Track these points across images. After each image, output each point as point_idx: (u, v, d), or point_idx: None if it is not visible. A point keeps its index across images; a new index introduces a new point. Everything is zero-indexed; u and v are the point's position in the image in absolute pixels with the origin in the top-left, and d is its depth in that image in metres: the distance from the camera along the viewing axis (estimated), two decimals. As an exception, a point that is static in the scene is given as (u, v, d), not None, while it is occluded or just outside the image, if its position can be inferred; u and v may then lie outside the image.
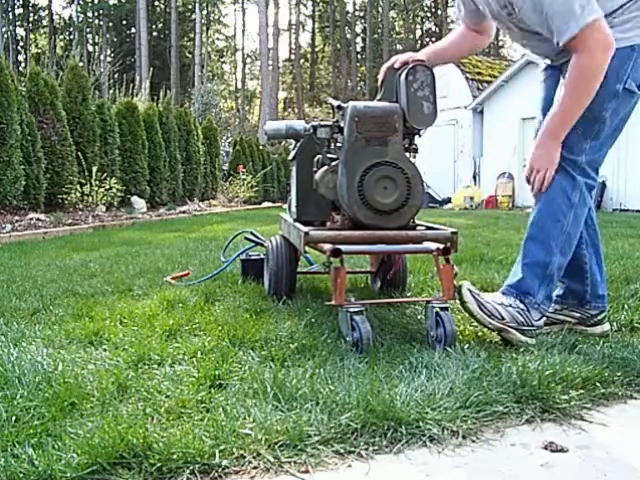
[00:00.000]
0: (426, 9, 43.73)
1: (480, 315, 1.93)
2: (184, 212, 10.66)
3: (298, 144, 2.47)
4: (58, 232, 6.53)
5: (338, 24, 42.23)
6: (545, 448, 1.25)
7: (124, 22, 40.39)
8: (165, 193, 11.50)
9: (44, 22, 41.55)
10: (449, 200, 15.10)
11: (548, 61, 2.10)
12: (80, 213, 8.36)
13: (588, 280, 2.07)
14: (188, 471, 1.13)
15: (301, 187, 2.40)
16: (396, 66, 2.12)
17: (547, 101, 2.10)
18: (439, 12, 41.62)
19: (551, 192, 1.95)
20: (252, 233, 3.26)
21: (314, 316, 2.15)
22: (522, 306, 1.94)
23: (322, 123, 2.23)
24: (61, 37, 40.86)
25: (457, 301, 2.00)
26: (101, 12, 37.57)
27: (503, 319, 1.91)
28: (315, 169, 2.23)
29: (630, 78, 1.88)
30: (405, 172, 2.03)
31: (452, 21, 41.04)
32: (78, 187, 8.39)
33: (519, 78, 14.10)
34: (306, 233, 2.00)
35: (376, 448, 1.23)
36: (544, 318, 1.97)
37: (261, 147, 18.64)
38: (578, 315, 2.07)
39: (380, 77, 2.18)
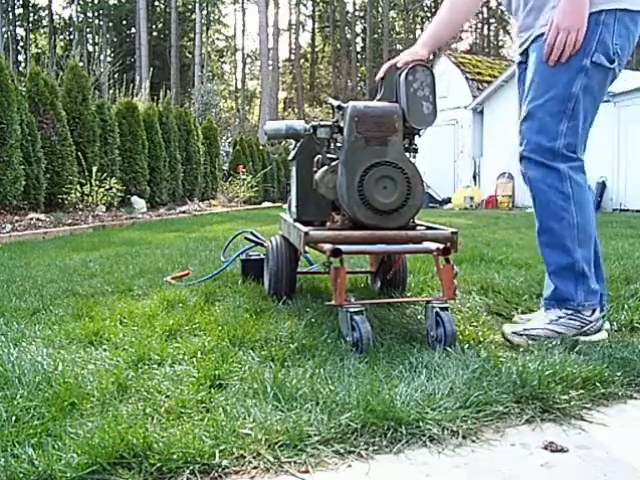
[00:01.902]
0: (426, 9, 43.73)
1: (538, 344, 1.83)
2: (184, 212, 10.66)
3: (298, 144, 2.47)
4: (58, 232, 6.53)
5: (338, 24, 42.22)
6: (545, 448, 1.25)
7: (124, 22, 40.39)
8: (165, 193, 11.50)
9: (44, 22, 41.56)
10: (449, 200, 15.10)
11: (519, 46, 2.05)
12: (80, 213, 8.36)
13: None
14: (188, 471, 1.13)
15: (301, 187, 2.40)
16: (399, 65, 2.10)
17: (520, 100, 2.07)
18: (439, 12, 41.55)
19: (541, 195, 1.92)
20: (252, 233, 3.25)
21: (314, 316, 2.15)
22: (569, 311, 1.90)
23: (322, 123, 2.23)
24: (61, 37, 40.86)
25: (457, 301, 2.00)
26: (101, 12, 37.57)
27: (561, 334, 1.87)
28: (315, 169, 2.23)
29: (597, 52, 1.82)
30: (405, 172, 2.03)
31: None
32: (78, 187, 8.39)
33: (519, 78, 14.09)
34: (306, 233, 2.00)
35: (376, 448, 1.23)
36: (597, 309, 1.92)
37: (261, 147, 18.63)
38: None
39: (380, 75, 2.15)
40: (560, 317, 1.90)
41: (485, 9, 41.16)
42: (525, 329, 1.91)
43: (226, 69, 46.94)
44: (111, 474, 1.11)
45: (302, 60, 44.75)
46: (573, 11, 1.79)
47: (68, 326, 2.10)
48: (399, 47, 40.12)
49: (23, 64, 33.82)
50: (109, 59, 25.25)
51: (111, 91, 13.65)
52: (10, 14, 38.50)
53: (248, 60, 46.08)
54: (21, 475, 1.08)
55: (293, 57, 45.01)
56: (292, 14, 45.39)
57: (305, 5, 46.00)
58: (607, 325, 2.03)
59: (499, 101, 14.97)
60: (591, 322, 1.89)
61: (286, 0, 47.60)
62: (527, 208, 12.88)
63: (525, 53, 2.04)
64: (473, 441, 1.27)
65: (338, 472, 1.15)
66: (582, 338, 1.85)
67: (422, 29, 44.32)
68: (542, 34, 1.88)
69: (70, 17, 41.33)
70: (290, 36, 46.61)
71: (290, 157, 2.52)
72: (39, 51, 35.34)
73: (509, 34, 43.11)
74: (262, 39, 29.79)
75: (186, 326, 2.08)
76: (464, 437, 1.28)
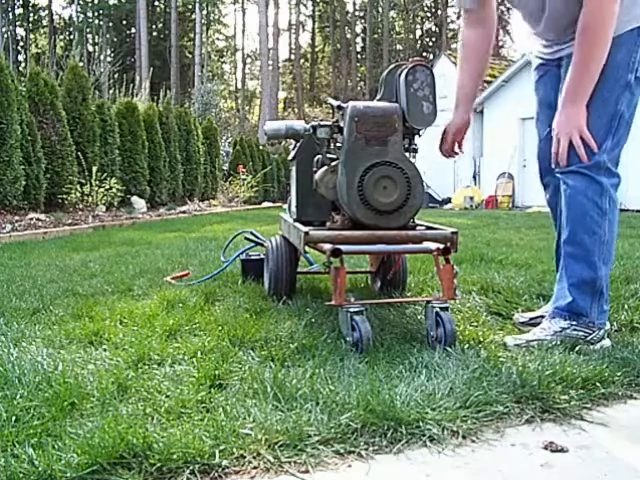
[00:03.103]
0: (426, 9, 43.73)
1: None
2: (184, 212, 10.66)
3: (298, 144, 2.47)
4: (58, 232, 6.53)
5: (338, 24, 42.22)
6: (545, 448, 1.25)
7: (124, 22, 40.38)
8: (165, 193, 11.50)
9: (44, 22, 41.53)
10: (449, 200, 15.10)
11: (548, 50, 2.03)
12: (80, 213, 8.36)
13: None
14: (188, 471, 1.13)
15: (301, 187, 2.40)
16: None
17: (546, 103, 2.06)
18: (439, 12, 41.61)
19: (580, 204, 1.88)
20: (252, 233, 3.26)
21: (314, 316, 2.15)
22: (574, 322, 1.88)
23: (322, 123, 2.22)
24: (61, 37, 40.85)
25: (457, 301, 2.00)
26: (101, 12, 37.54)
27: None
28: (315, 169, 2.23)
29: None
30: (405, 172, 2.03)
31: (452, 21, 41.06)
32: (78, 187, 8.39)
33: (519, 78, 14.11)
34: (306, 233, 2.00)
35: (376, 448, 1.23)
36: (603, 324, 1.90)
37: (261, 147, 18.63)
38: None
39: None
40: (564, 328, 1.88)
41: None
42: (528, 340, 1.87)
43: (226, 69, 46.92)
44: (111, 474, 1.11)
45: (302, 60, 44.74)
46: (565, 121, 1.84)
47: (68, 326, 2.10)
48: (399, 47, 40.13)
49: (23, 64, 33.75)
50: (109, 59, 25.23)
51: (111, 91, 13.66)
52: (10, 14, 38.46)
53: (248, 60, 46.11)
54: (21, 475, 1.08)
55: (293, 57, 45.00)
56: (292, 14, 45.42)
57: (305, 5, 46.00)
58: (607, 325, 2.03)
59: (499, 101, 14.98)
60: (594, 331, 1.87)
61: (286, 0, 47.61)
62: (527, 208, 12.88)
63: (557, 60, 2.01)
64: (473, 441, 1.27)
65: (338, 472, 1.15)
66: (586, 347, 1.82)
67: (422, 29, 44.36)
68: (570, 54, 1.86)
69: (70, 17, 41.35)
70: (290, 36, 46.66)
71: (290, 157, 2.52)
72: (39, 51, 35.32)
73: (509, 34, 43.06)
74: (262, 39, 29.79)
75: (186, 326, 2.08)
76: (464, 437, 1.28)
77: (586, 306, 1.87)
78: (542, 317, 2.03)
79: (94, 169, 8.59)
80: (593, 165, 1.86)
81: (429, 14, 44.19)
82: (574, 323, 1.87)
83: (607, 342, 1.87)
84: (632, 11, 1.80)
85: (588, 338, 1.85)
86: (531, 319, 2.14)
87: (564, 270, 1.94)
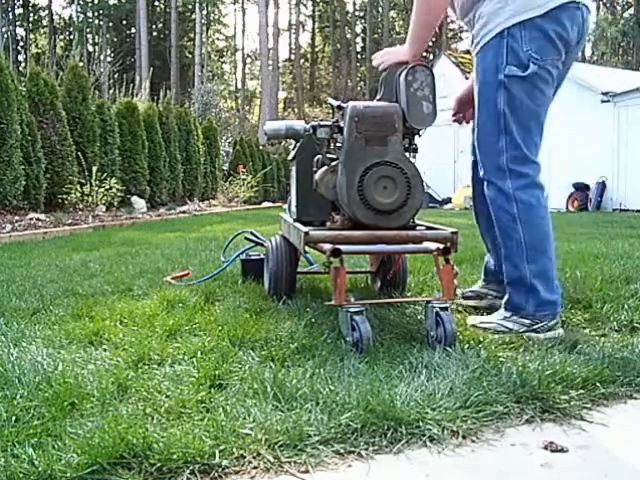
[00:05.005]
0: (426, 9, 43.68)
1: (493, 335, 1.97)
2: (184, 212, 10.66)
3: (298, 144, 2.47)
4: (58, 232, 6.53)
5: (338, 24, 42.24)
6: (545, 448, 1.25)
7: (124, 22, 40.41)
8: (165, 193, 11.50)
9: (44, 22, 41.56)
10: (449, 200, 15.09)
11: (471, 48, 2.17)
12: (80, 213, 8.36)
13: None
14: (188, 471, 1.13)
15: (301, 187, 2.40)
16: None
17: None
18: (439, 12, 41.53)
19: (495, 213, 2.05)
20: (252, 233, 3.25)
21: (314, 316, 2.15)
22: (514, 315, 2.00)
23: (322, 123, 2.22)
24: (61, 37, 40.87)
25: (457, 301, 2.01)
26: (101, 12, 37.58)
27: (511, 330, 1.97)
28: (315, 169, 2.23)
29: (509, 64, 1.94)
30: (405, 172, 2.03)
31: (452, 21, 41.00)
32: (78, 187, 8.39)
33: (519, 78, 14.08)
34: (306, 233, 2.00)
35: (376, 448, 1.23)
36: (551, 318, 1.98)
37: (261, 147, 18.63)
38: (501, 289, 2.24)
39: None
40: (506, 317, 2.02)
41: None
42: (481, 322, 2.04)
43: (226, 69, 46.92)
44: (111, 474, 1.11)
45: (302, 60, 44.75)
46: (393, 52, 2.18)
47: (68, 326, 2.10)
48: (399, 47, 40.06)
49: (23, 64, 33.74)
50: (109, 59, 25.21)
51: (111, 91, 13.64)
52: (10, 14, 38.48)
53: (248, 60, 46.14)
54: (21, 475, 1.08)
55: (293, 57, 45.02)
56: (292, 14, 45.45)
57: (305, 5, 46.01)
58: (557, 317, 2.02)
59: (499, 101, 14.93)
60: (542, 322, 1.96)
61: (286, 0, 47.58)
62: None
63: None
64: (473, 441, 1.27)
65: (338, 472, 1.15)
66: (533, 335, 1.93)
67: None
68: (485, 44, 1.99)
69: (70, 17, 41.40)
70: (290, 36, 46.68)
71: (290, 157, 2.52)
72: (39, 51, 35.34)
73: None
74: (262, 39, 29.81)
75: (186, 326, 2.08)
76: (464, 437, 1.28)
77: (521, 301, 2.00)
78: (473, 291, 2.37)
79: (94, 169, 8.59)
80: (496, 170, 2.01)
81: (429, 14, 44.11)
82: (512, 316, 2.00)
83: (560, 331, 1.96)
84: (495, 19, 1.95)
85: (534, 327, 1.95)
86: (463, 293, 2.41)
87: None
